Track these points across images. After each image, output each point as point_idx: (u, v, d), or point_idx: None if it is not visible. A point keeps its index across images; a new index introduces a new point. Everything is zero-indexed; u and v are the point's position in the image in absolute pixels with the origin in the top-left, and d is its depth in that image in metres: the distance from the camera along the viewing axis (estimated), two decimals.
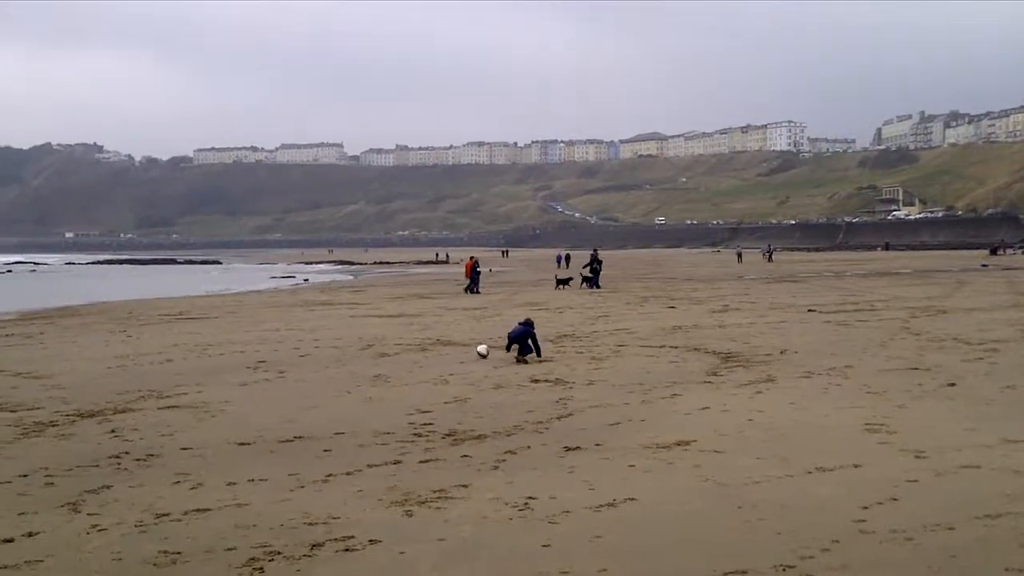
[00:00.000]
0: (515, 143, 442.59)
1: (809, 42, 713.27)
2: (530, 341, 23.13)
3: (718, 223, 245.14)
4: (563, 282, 54.22)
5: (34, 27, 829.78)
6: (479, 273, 52.60)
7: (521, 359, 22.75)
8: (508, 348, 23.42)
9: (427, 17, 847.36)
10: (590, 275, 54.26)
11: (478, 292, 50.02)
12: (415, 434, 14.36)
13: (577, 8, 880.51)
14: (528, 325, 23.58)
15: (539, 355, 22.99)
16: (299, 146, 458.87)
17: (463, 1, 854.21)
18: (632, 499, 10.61)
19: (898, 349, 23.32)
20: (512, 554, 8.93)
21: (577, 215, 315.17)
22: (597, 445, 13.38)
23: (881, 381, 18.50)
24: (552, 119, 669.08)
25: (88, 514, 10.56)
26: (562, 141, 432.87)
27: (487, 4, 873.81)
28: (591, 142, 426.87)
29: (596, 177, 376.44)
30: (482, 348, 23.62)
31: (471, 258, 54.87)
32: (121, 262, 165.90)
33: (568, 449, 13.16)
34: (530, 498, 10.69)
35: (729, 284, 57.20)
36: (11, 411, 17.45)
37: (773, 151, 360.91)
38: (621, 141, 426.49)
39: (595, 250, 62.86)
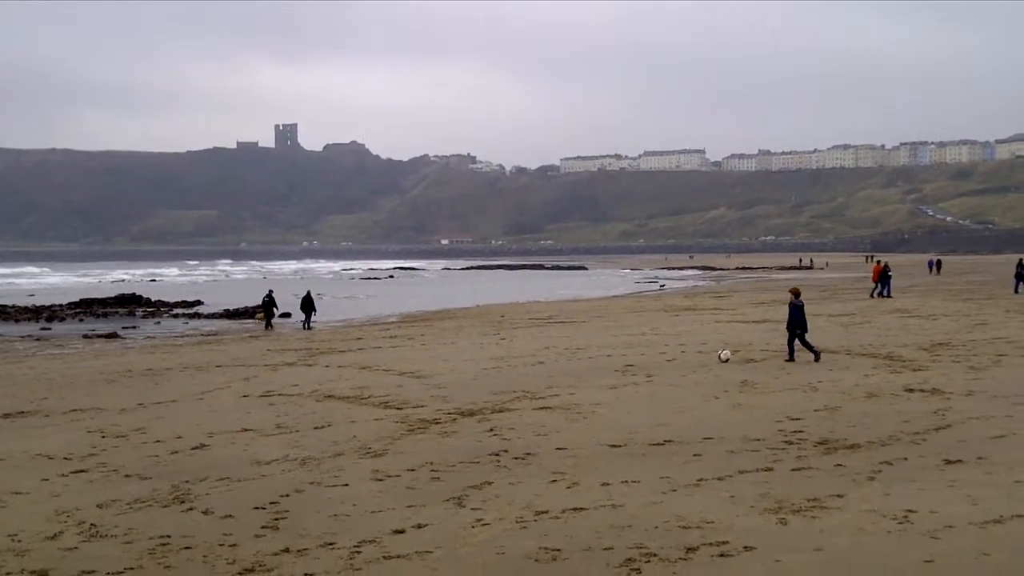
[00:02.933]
0: (882, 145, 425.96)
1: None
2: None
3: None
4: None
5: (405, 45, 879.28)
6: (889, 277, 51.72)
7: (789, 360, 23.57)
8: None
9: (786, 18, 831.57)
10: None
11: (889, 296, 49.37)
12: (786, 441, 14.18)
13: (950, 8, 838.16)
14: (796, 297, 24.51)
15: (811, 350, 23.70)
16: (661, 153, 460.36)
17: (827, 2, 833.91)
18: (1020, 516, 10.04)
19: None
20: (892, 568, 8.66)
21: (949, 219, 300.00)
22: (979, 459, 12.74)
23: None
24: (921, 120, 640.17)
25: (472, 509, 11.09)
26: (932, 142, 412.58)
27: (850, 4, 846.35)
28: (963, 143, 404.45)
29: (969, 179, 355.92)
30: (725, 353, 24.26)
31: (878, 262, 54.28)
32: (493, 267, 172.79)
33: (948, 462, 12.62)
34: (909, 511, 10.34)
35: None
36: (398, 408, 18.60)
37: None
38: (996, 141, 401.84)
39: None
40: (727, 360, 23.67)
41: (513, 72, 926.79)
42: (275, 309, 46.07)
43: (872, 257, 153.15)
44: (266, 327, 44.77)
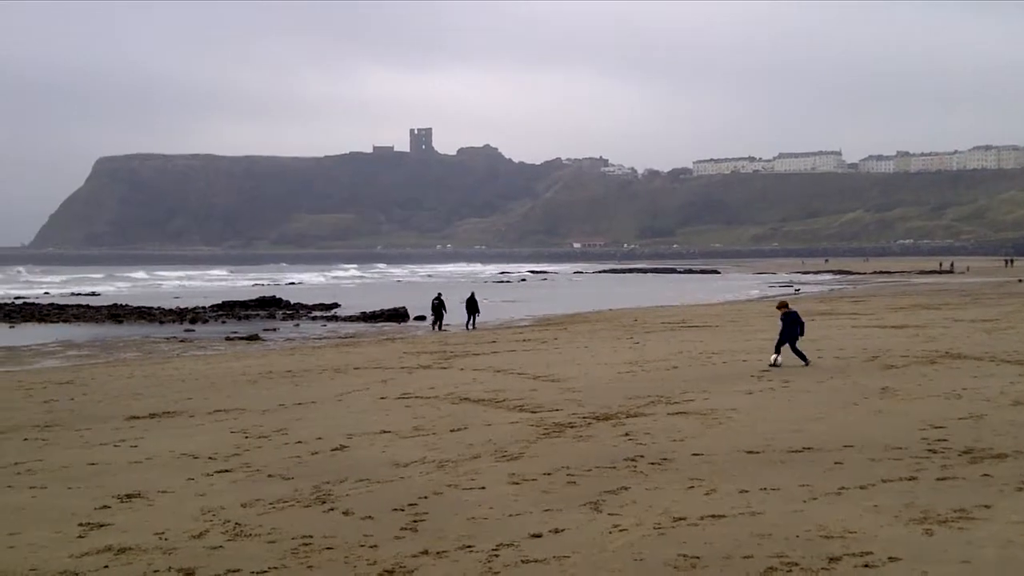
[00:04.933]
0: None
1: None
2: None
3: None
4: None
5: (537, 50, 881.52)
6: None
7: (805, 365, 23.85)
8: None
9: (928, 18, 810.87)
10: None
11: None
12: (929, 450, 13.83)
13: None
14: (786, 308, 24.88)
15: (775, 353, 24.19)
16: (796, 155, 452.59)
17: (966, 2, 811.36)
18: None
19: None
20: None
21: None
22: None
23: None
24: None
25: (609, 514, 11.05)
26: None
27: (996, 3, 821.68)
28: None
29: None
30: (775, 357, 24.42)
31: None
32: (624, 271, 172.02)
33: None
34: None
35: None
36: (532, 412, 18.67)
37: None
38: None
39: None
40: (779, 364, 23.89)
41: (646, 75, 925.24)
42: (444, 311, 47.86)
43: (1011, 261, 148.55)
44: (434, 328, 47.00)
